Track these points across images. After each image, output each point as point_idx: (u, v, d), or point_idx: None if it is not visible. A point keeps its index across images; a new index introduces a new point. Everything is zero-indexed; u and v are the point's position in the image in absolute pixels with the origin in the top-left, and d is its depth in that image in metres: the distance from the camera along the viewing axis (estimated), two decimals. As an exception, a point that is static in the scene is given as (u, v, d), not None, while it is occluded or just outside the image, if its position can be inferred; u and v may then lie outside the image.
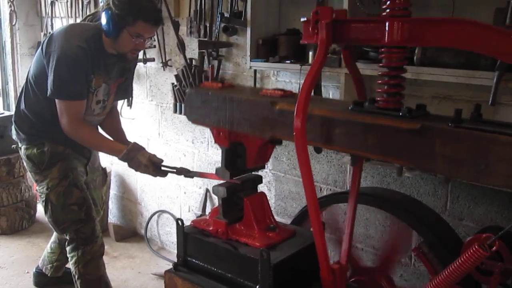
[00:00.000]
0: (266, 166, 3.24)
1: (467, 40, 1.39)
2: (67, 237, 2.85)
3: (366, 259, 2.76)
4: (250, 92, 2.13)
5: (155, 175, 2.62)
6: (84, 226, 2.81)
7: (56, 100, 2.62)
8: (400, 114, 1.54)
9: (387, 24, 1.49)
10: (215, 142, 2.08)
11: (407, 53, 1.65)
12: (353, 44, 1.79)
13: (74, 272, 2.89)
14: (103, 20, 2.57)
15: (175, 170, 2.55)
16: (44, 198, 2.80)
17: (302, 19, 1.66)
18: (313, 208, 1.67)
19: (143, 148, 2.66)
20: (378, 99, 1.65)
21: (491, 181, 1.38)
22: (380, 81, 1.66)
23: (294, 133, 1.62)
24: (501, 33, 1.35)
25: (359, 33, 1.59)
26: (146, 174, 2.65)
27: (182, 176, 2.55)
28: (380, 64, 1.65)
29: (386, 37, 1.50)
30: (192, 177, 2.58)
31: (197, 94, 2.07)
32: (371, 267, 2.54)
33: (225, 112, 1.94)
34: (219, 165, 2.10)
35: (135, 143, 2.67)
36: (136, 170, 2.63)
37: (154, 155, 2.63)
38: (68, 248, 2.87)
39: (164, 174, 2.60)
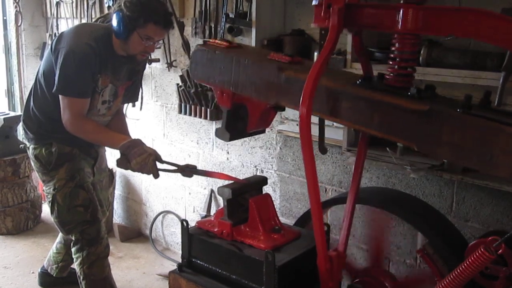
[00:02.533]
0: (271, 167, 3.24)
1: (482, 31, 1.37)
2: (73, 238, 2.86)
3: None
4: (258, 55, 2.06)
5: (150, 169, 2.47)
6: (90, 227, 2.82)
7: (60, 96, 2.62)
8: (409, 93, 1.51)
9: (401, 10, 1.46)
10: (217, 102, 2.04)
11: (421, 38, 1.61)
12: (365, 29, 1.74)
13: (79, 273, 2.90)
14: (114, 22, 2.58)
15: (176, 168, 2.48)
16: (50, 199, 2.81)
17: (314, 2, 1.62)
18: (312, 187, 1.64)
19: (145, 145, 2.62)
20: (387, 76, 1.62)
21: (495, 171, 1.36)
22: (390, 61, 1.62)
23: (299, 120, 1.59)
24: None
25: (371, 19, 1.55)
26: (137, 171, 2.52)
27: (180, 174, 2.50)
28: (393, 48, 1.61)
29: (400, 24, 1.47)
30: (190, 176, 2.49)
31: (203, 52, 2.02)
32: (370, 267, 2.53)
33: (231, 73, 1.90)
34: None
35: (139, 138, 2.59)
36: (132, 160, 2.48)
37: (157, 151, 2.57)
38: (73, 249, 2.88)
39: (157, 173, 2.47)
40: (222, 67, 1.93)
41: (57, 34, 4.43)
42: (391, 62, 1.62)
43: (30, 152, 2.86)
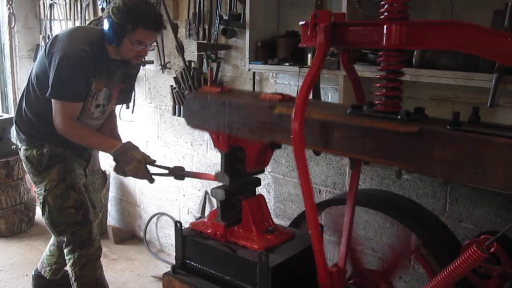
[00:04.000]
0: (265, 170, 3.25)
1: (464, 43, 1.39)
2: (64, 240, 2.85)
3: (365, 261, 2.75)
4: (249, 96, 2.13)
5: (143, 175, 2.55)
6: (81, 229, 2.81)
7: (52, 99, 2.62)
8: (398, 117, 1.54)
9: (385, 27, 1.49)
10: (215, 146, 2.07)
11: (406, 56, 1.65)
12: (351, 47, 1.79)
13: (71, 275, 2.89)
14: (105, 28, 2.58)
15: (167, 171, 2.54)
16: (41, 200, 2.80)
17: (300, 23, 1.66)
18: (311, 211, 1.66)
19: (138, 147, 2.64)
20: (376, 102, 1.65)
21: (489, 183, 1.38)
22: (378, 85, 1.66)
23: (292, 136, 1.61)
24: (497, 35, 1.35)
25: (357, 36, 1.59)
26: (132, 177, 2.59)
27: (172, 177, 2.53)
28: (379, 68, 1.66)
29: (384, 40, 1.50)
30: (182, 178, 2.56)
31: (195, 99, 2.06)
32: (372, 269, 2.53)
33: (224, 116, 1.93)
34: (219, 167, 2.09)
35: (129, 142, 2.65)
36: (124, 168, 2.54)
37: (148, 156, 2.60)
38: (65, 251, 2.88)
39: (151, 178, 2.56)
40: (215, 112, 1.96)
41: (50, 36, 4.43)
42: (378, 85, 1.65)
43: (21, 153, 2.85)
